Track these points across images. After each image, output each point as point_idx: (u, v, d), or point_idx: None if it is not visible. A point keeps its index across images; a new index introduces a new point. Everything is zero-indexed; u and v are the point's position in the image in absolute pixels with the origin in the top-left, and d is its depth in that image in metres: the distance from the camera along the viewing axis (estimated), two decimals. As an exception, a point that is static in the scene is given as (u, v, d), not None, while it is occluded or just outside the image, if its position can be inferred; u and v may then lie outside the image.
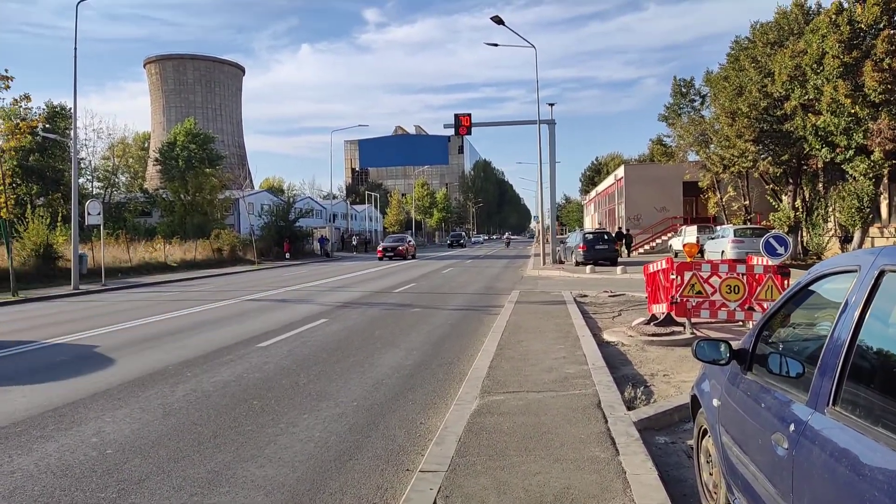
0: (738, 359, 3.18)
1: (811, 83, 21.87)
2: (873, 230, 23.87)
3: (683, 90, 44.40)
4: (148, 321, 13.29)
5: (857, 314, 2.22)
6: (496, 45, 30.30)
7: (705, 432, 3.73)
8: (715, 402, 3.46)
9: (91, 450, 5.28)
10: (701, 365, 3.94)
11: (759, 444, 2.66)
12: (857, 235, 23.02)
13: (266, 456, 5.10)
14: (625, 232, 38.05)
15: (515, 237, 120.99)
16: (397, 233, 64.27)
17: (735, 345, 3.28)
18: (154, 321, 13.32)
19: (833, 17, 21.25)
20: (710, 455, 3.64)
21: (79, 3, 21.45)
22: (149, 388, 7.39)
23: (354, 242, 60.67)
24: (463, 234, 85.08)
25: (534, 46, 29.76)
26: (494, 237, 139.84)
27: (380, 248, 41.88)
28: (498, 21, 27.50)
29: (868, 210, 22.30)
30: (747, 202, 34.04)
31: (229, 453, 5.16)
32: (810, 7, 27.67)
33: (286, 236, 45.98)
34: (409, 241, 44.47)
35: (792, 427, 2.35)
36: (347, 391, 7.15)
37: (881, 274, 2.19)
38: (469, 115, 30.36)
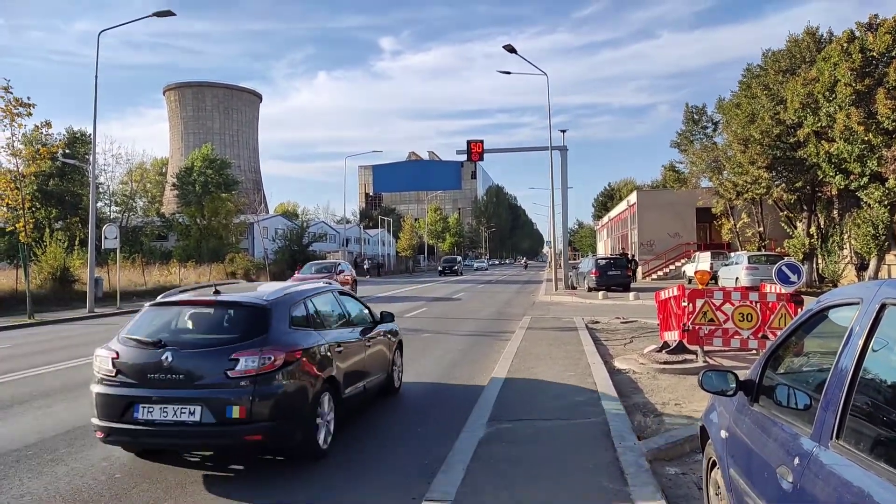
0: (744, 390, 3.17)
1: (824, 110, 21.84)
2: (889, 257, 23.60)
3: (696, 117, 44.45)
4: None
5: (859, 347, 2.21)
6: (509, 72, 30.71)
7: (714, 464, 3.68)
8: (723, 434, 3.43)
9: (100, 473, 5.31)
10: (710, 395, 3.92)
11: (765, 477, 2.63)
12: (872, 263, 22.77)
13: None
14: (629, 257, 36.60)
15: (531, 262, 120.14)
16: (323, 261, 36.13)
17: (742, 375, 3.26)
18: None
19: (845, 45, 21.30)
20: (719, 487, 3.59)
21: (101, 32, 22.04)
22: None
23: (366, 266, 60.88)
24: (458, 258, 67.04)
25: (546, 74, 30.07)
26: (507, 261, 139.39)
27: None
28: (510, 49, 27.84)
29: (884, 237, 22.08)
30: (761, 229, 33.82)
31: (238, 482, 5.16)
32: (822, 35, 27.80)
33: (299, 260, 46.22)
34: (344, 272, 27.38)
35: (796, 461, 2.33)
36: (356, 414, 7.12)
37: (882, 307, 2.19)
38: (481, 141, 30.59)
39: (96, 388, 5.26)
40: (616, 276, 28.96)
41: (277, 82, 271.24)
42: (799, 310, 9.07)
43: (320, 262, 30.21)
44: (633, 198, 45.79)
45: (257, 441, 5.02)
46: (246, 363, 5.00)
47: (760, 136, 25.78)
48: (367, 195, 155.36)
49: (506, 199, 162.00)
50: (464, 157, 31.49)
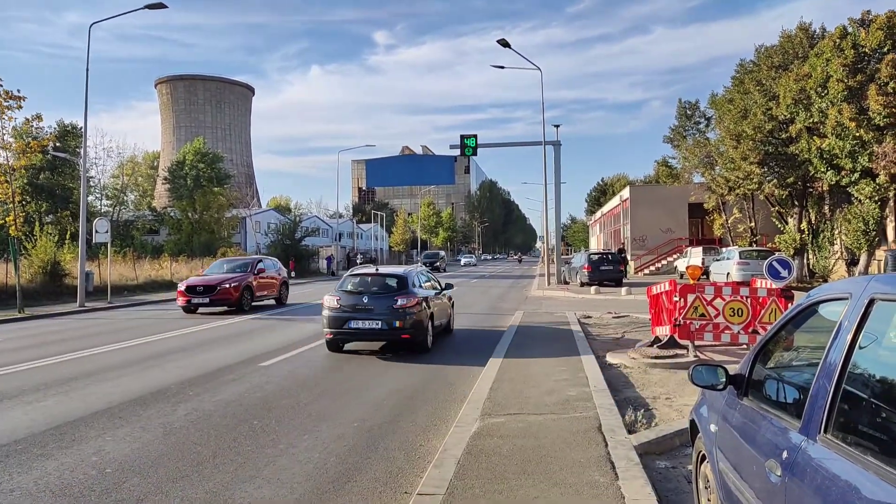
0: (734, 384, 3.18)
1: (816, 106, 21.93)
2: (879, 253, 23.76)
3: (689, 112, 44.62)
4: (151, 339, 13.33)
5: (848, 341, 2.23)
6: (502, 67, 30.59)
7: (703, 458, 3.71)
8: (712, 428, 3.44)
9: (90, 468, 5.28)
10: (700, 390, 3.93)
11: (754, 470, 2.65)
12: (863, 258, 22.92)
13: (264, 477, 5.09)
14: (620, 254, 34.91)
15: (525, 257, 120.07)
16: (240, 257, 26.96)
17: (732, 370, 3.27)
18: (157, 339, 13.35)
19: (837, 41, 21.38)
20: (708, 481, 3.61)
21: (92, 24, 21.85)
22: (150, 406, 7.40)
23: (359, 261, 60.78)
24: (441, 253, 60.43)
25: (539, 69, 30.03)
26: (500, 256, 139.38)
27: (182, 288, 19.06)
28: (504, 44, 27.79)
29: (874, 233, 22.23)
30: (753, 224, 33.97)
31: (228, 474, 5.16)
32: (815, 31, 27.89)
33: (292, 255, 46.14)
34: (265, 272, 21.21)
35: (785, 454, 2.35)
36: (348, 412, 7.14)
37: (871, 302, 2.20)
38: (475, 135, 30.53)
39: (328, 313, 10.82)
40: (608, 271, 29.07)
41: (270, 76, 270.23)
42: (789, 305, 9.13)
43: (235, 259, 24.03)
44: (625, 193, 45.90)
45: (406, 338, 10.70)
46: (401, 301, 10.61)
47: (753, 132, 25.87)
48: (360, 190, 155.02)
49: (499, 194, 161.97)
50: (457, 152, 31.43)
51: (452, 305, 13.94)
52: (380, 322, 10.47)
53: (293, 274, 44.08)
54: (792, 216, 29.14)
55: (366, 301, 10.67)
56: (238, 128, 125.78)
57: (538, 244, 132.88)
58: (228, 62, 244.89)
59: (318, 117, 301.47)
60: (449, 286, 13.59)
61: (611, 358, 9.95)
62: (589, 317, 16.03)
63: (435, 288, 12.48)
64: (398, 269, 12.02)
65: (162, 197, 64.68)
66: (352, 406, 7.43)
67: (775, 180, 27.18)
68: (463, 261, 75.70)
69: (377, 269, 11.91)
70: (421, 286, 11.58)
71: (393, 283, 11.17)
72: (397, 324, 10.44)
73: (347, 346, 11.42)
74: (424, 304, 10.98)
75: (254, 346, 12.05)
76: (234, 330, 14.98)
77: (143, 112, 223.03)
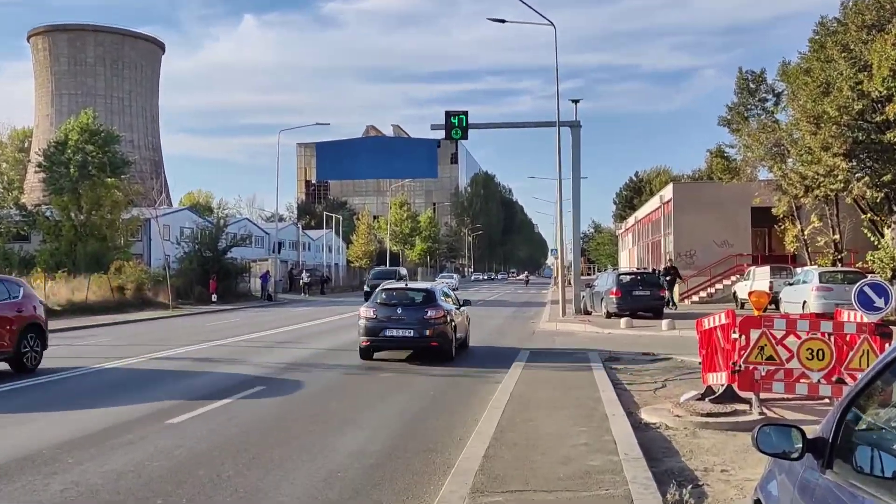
0: (814, 451, 3.19)
1: (921, 80, 22.33)
2: None
3: (752, 86, 45.07)
4: (15, 386, 13.18)
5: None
6: (503, 21, 30.88)
7: (773, 552, 3.72)
8: (785, 511, 3.46)
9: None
10: (768, 459, 3.95)
11: (842, 569, 2.66)
12: (983, 283, 23.27)
13: (172, 577, 5.04)
14: (666, 275, 35.68)
15: (533, 277, 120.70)
16: None
17: (811, 432, 3.29)
18: (23, 386, 13.21)
19: (948, -7, 21.80)
20: (779, 583, 3.63)
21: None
22: (14, 479, 7.31)
23: (304, 281, 60.48)
24: (401, 271, 60.82)
25: (552, 24, 30.34)
26: (499, 276, 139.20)
27: None
28: (505, -11, 28.06)
29: None
30: (837, 236, 34.40)
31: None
32: (919, -20, 28.41)
33: (213, 271, 45.92)
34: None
35: (884, 548, 2.36)
36: (289, 487, 7.11)
37: None
38: (466, 112, 30.69)
39: (364, 322, 16.27)
40: (644, 297, 29.21)
41: (187, 27, 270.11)
42: (886, 345, 9.22)
43: None
44: (667, 193, 46.34)
45: (434, 346, 16.14)
46: (430, 313, 16.16)
47: (837, 113, 26.25)
48: (308, 183, 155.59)
49: (497, 191, 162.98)
50: (442, 135, 31.54)
51: (469, 321, 19.40)
52: (412, 331, 15.84)
53: (215, 297, 43.95)
54: (889, 226, 29.53)
55: (399, 312, 16.07)
56: (142, 97, 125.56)
57: (549, 260, 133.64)
58: (128, 7, 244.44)
59: (253, 85, 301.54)
60: (467, 302, 19.73)
61: (647, 415, 10.00)
62: (617, 359, 16.13)
63: (455, 304, 17.93)
64: (425, 284, 19.31)
65: (35, 190, 64.21)
66: (295, 478, 7.39)
67: (867, 178, 27.55)
68: (441, 277, 73.02)
69: (406, 284, 19.74)
70: (444, 300, 16.97)
71: (421, 296, 16.76)
72: (427, 332, 15.77)
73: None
74: (449, 316, 16.37)
75: (162, 395, 11.96)
76: (137, 374, 14.80)
77: (12, 75, 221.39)
